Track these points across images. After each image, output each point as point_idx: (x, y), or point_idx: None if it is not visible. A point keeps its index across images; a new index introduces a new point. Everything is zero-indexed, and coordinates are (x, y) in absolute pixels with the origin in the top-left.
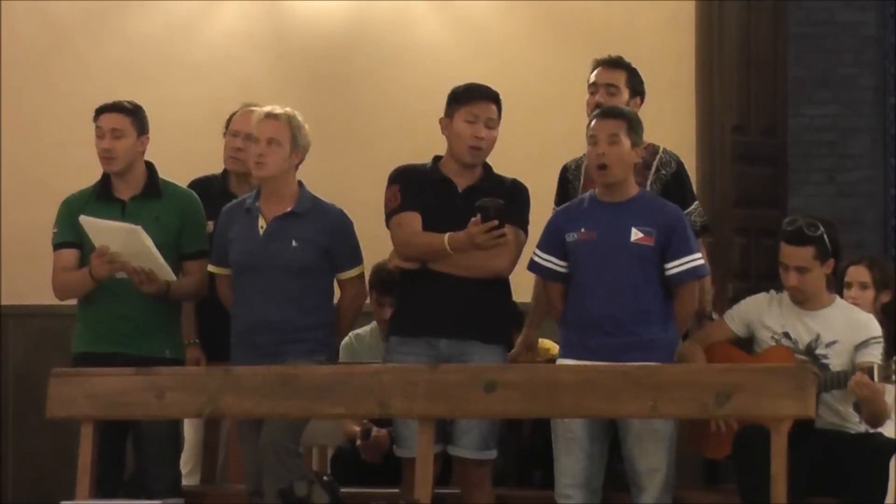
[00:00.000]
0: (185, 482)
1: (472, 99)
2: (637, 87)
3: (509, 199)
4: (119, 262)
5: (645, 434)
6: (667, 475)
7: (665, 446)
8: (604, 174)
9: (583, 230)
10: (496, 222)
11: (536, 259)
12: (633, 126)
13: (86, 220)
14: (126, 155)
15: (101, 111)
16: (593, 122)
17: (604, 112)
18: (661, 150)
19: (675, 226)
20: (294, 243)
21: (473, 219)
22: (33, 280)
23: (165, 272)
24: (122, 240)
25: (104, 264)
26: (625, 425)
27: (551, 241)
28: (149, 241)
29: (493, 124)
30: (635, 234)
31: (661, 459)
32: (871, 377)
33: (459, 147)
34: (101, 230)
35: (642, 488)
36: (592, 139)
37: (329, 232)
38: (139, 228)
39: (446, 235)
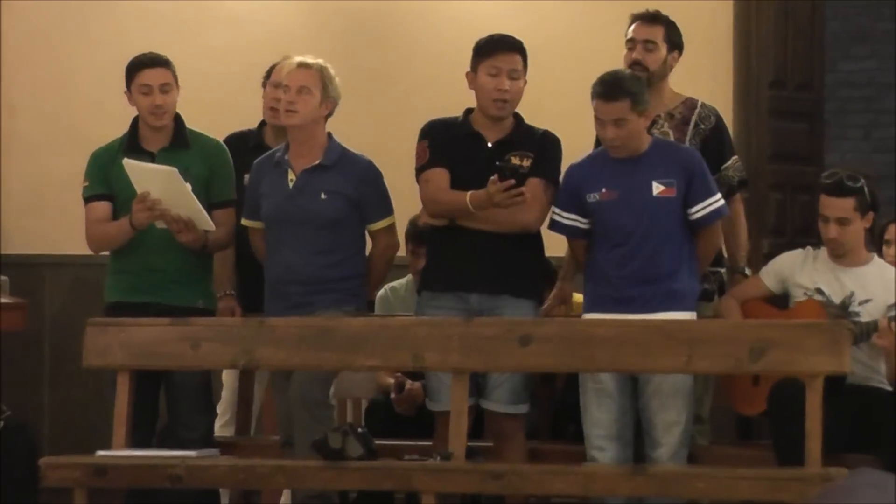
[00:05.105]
0: (221, 432)
1: (493, 51)
2: (675, 41)
3: (540, 151)
4: (159, 210)
5: (664, 388)
6: (685, 430)
7: (683, 401)
8: (615, 151)
9: (604, 190)
10: (513, 181)
11: (558, 218)
12: (638, 100)
13: (129, 164)
14: (173, 109)
15: (140, 66)
16: (594, 103)
17: (605, 94)
18: (699, 104)
19: (695, 169)
20: (323, 196)
21: (492, 178)
22: (69, 230)
23: (203, 220)
24: (162, 184)
25: (144, 210)
26: (644, 378)
27: (571, 200)
28: (186, 185)
29: (517, 75)
30: (657, 188)
31: (680, 414)
32: None
33: (484, 101)
34: (143, 173)
35: (659, 443)
36: (600, 122)
37: (357, 183)
38: (175, 171)
39: (468, 193)
